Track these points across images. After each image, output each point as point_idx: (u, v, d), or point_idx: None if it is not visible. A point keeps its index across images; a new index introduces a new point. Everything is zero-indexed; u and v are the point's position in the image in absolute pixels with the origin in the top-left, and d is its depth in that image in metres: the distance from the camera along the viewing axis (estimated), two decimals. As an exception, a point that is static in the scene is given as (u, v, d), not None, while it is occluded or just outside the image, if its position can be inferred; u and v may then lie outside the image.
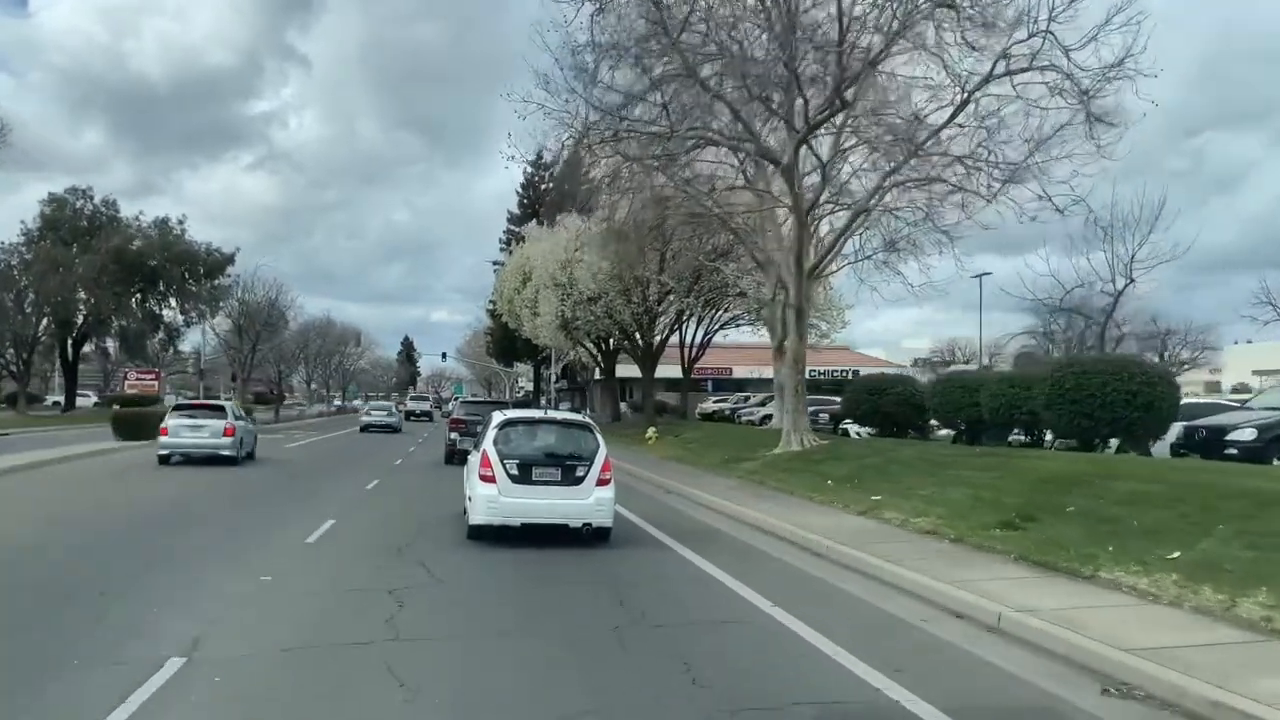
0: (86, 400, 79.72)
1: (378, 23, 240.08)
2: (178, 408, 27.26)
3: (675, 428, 36.30)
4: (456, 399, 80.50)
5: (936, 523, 12.68)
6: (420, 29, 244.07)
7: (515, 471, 11.92)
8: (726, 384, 79.20)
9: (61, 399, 75.83)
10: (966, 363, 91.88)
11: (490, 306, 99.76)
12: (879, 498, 15.09)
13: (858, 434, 29.78)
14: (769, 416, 41.98)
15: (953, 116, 21.01)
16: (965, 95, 20.66)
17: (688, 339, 46.15)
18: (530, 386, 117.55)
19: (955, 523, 12.40)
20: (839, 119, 22.48)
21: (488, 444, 12.23)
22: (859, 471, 17.95)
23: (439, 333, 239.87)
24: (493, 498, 11.86)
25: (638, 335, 41.04)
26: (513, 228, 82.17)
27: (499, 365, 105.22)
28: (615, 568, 10.82)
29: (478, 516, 12.04)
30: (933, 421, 25.30)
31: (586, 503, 12.04)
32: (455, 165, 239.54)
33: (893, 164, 22.21)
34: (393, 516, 14.99)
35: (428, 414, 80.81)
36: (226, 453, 24.38)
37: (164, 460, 24.14)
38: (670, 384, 57.99)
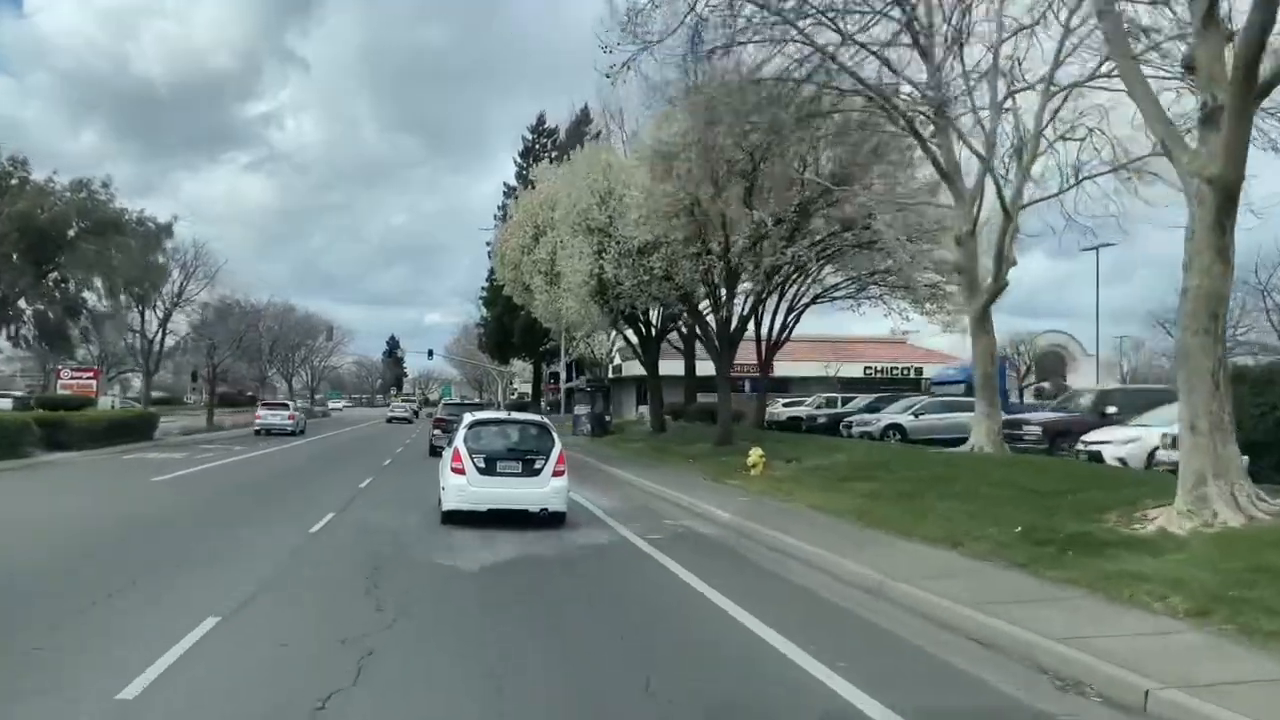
0: (2, 403, 65.93)
1: (377, 26, 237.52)
2: (265, 404, 49.99)
3: (779, 445, 23.05)
4: (444, 400, 69.84)
5: None
6: (419, 32, 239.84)
7: (482, 465, 13.49)
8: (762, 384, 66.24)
9: (-41, 400, 62.13)
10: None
11: (484, 294, 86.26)
12: None
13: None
14: (894, 428, 28.96)
15: None
16: None
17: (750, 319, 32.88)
18: (528, 388, 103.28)
19: None
20: None
21: (459, 441, 13.87)
22: None
23: (433, 336, 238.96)
24: (462, 487, 13.43)
25: (709, 305, 27.83)
26: (509, 202, 69.21)
27: (492, 364, 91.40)
28: None
29: (450, 503, 13.60)
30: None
31: (544, 491, 13.58)
32: (453, 169, 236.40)
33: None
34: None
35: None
36: (290, 429, 44.15)
37: (257, 433, 42.81)
38: (704, 383, 44.80)
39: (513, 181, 72.33)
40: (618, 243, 25.13)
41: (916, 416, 28.96)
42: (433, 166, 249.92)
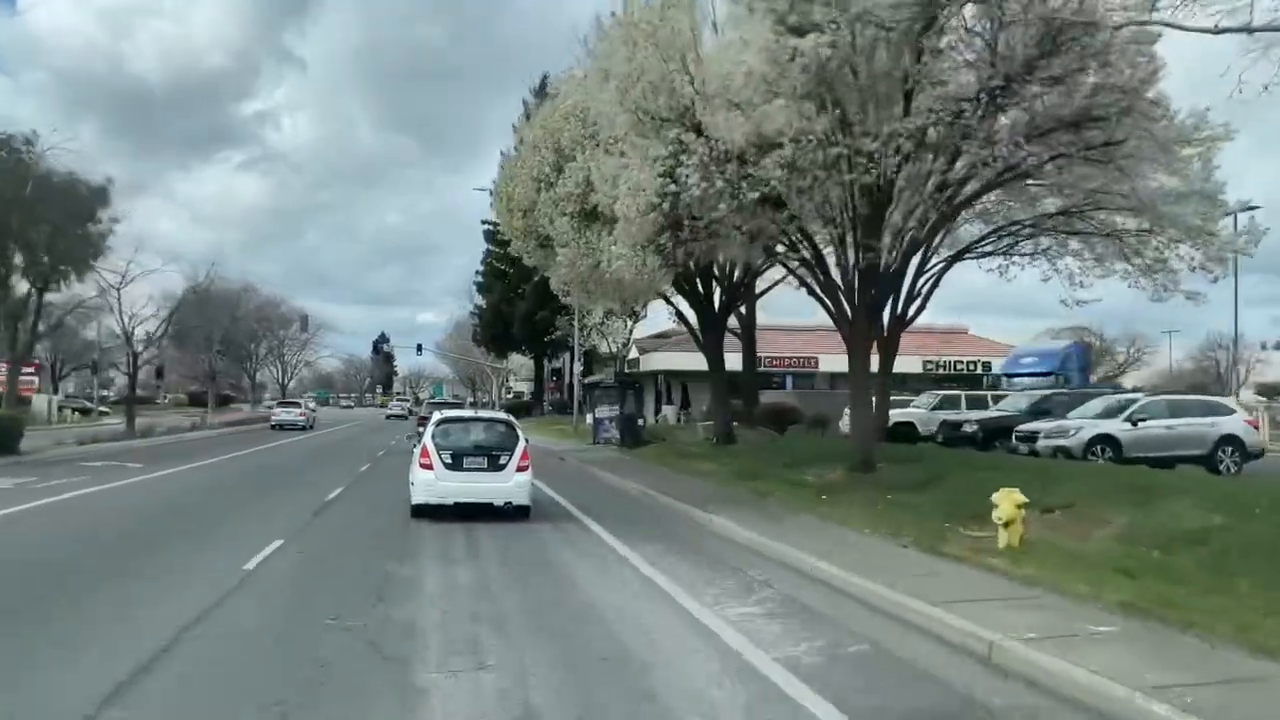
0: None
1: (374, 25, 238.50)
2: (280, 403, 59.67)
3: (1003, 479, 13.14)
4: (429, 400, 62.55)
5: None
6: (417, 32, 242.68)
7: (449, 460, 14.21)
8: (806, 379, 56.82)
9: None
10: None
11: (479, 278, 75.93)
12: None
13: None
14: (1104, 441, 19.19)
15: None
16: None
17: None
18: (524, 386, 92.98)
19: None
20: None
21: (427, 438, 14.66)
22: None
23: (427, 335, 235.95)
24: (430, 481, 14.17)
25: (847, 251, 17.99)
26: (503, 181, 59.18)
27: (487, 358, 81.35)
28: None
29: (418, 497, 14.27)
30: None
31: (508, 485, 14.25)
32: (448, 169, 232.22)
33: None
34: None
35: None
36: (302, 424, 50.59)
37: (273, 428, 48.07)
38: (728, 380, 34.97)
39: (510, 150, 62.09)
40: (709, 141, 15.23)
41: (1134, 424, 19.26)
42: (428, 167, 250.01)
